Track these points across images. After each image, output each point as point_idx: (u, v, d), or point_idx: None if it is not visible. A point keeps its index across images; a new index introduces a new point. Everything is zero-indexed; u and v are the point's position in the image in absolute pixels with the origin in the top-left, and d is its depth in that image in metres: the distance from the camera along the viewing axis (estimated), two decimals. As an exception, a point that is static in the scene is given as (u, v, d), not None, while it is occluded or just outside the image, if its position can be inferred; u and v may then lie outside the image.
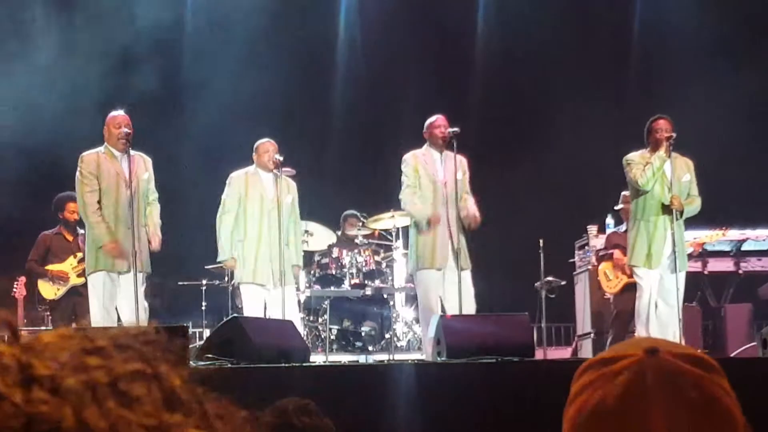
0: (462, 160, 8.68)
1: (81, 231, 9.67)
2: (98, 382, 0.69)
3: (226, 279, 10.20)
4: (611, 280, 9.86)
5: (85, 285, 9.50)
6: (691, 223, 9.01)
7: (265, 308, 8.49)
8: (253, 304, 8.53)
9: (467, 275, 8.43)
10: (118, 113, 8.22)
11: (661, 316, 8.37)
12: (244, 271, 8.57)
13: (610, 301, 9.96)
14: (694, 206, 8.53)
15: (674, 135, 8.34)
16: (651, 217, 8.39)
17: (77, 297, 9.58)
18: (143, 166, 8.28)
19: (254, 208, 8.56)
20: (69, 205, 9.62)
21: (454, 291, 8.23)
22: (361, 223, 10.38)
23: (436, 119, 8.65)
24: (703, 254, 10.26)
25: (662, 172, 8.39)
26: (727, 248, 10.42)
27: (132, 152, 8.23)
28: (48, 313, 9.82)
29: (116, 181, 8.11)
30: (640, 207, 8.47)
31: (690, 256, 9.82)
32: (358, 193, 11.57)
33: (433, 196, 8.51)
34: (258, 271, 8.49)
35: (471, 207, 8.52)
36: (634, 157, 8.47)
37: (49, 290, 9.61)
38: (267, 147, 8.62)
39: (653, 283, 8.36)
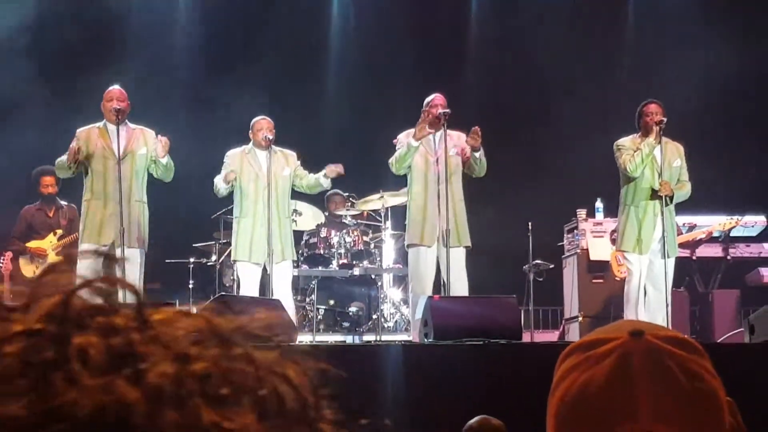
0: (461, 137, 8.63)
1: (63, 203, 9.63)
2: (191, 376, 0.63)
3: (214, 257, 10.18)
4: (622, 265, 9.86)
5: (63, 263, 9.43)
6: (689, 208, 9.03)
7: (270, 283, 8.46)
8: (249, 281, 8.55)
9: (459, 253, 8.42)
10: (113, 88, 8.28)
11: (650, 302, 8.40)
12: (240, 248, 8.59)
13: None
14: (684, 192, 8.54)
15: (665, 119, 8.34)
16: (641, 202, 8.41)
17: None
18: (141, 140, 8.26)
19: (249, 186, 8.58)
20: (43, 179, 9.58)
21: (444, 269, 8.26)
22: (349, 203, 10.37)
23: (434, 98, 8.61)
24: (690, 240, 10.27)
25: (652, 158, 8.39)
26: (715, 234, 10.44)
27: (133, 126, 8.25)
28: None
29: (103, 156, 8.11)
30: (629, 192, 8.48)
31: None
32: (348, 173, 11.54)
33: (424, 174, 8.51)
34: (254, 250, 8.50)
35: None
36: (625, 142, 8.47)
37: (28, 268, 9.56)
38: (261, 125, 8.64)
39: (643, 267, 8.38)
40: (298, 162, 8.82)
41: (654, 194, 8.38)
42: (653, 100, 8.49)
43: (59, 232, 9.51)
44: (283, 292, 8.42)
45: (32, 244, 9.60)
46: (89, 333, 0.63)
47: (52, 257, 9.52)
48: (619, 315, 9.95)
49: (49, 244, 9.55)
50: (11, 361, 0.62)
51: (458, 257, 8.42)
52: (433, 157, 8.51)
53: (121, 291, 0.68)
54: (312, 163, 9.03)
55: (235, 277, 9.11)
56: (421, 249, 8.47)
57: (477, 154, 8.51)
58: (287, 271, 8.66)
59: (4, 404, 0.60)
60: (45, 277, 0.68)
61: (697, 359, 1.20)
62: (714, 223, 10.21)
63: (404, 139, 8.63)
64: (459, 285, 8.33)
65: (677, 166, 8.52)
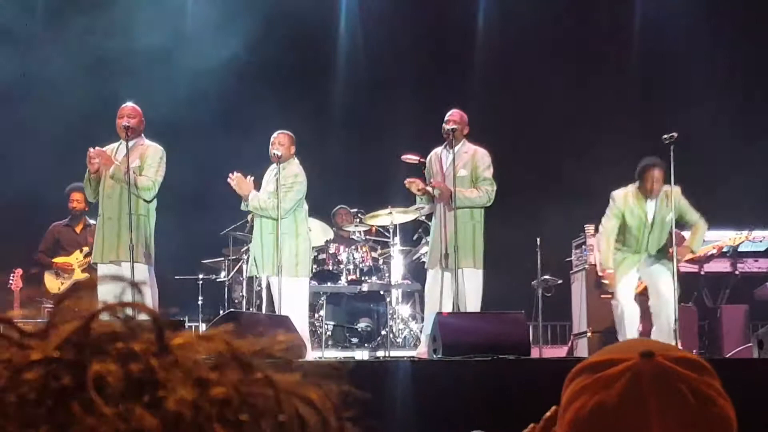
0: (476, 154, 8.52)
1: (92, 221, 9.57)
2: (210, 402, 0.64)
3: (223, 274, 10.19)
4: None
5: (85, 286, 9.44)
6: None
7: (279, 298, 8.38)
8: (264, 294, 8.55)
9: (467, 274, 8.32)
10: (126, 105, 8.22)
11: (656, 311, 8.49)
12: (250, 263, 8.61)
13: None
14: (699, 236, 8.64)
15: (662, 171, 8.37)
16: (626, 251, 8.54)
17: None
18: (137, 155, 8.11)
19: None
20: (73, 195, 9.60)
21: (452, 290, 8.24)
22: (358, 219, 10.38)
23: (449, 114, 8.55)
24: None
25: (643, 212, 8.44)
26: (724, 249, 10.43)
27: (147, 143, 8.19)
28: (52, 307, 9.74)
29: (104, 172, 8.07)
30: (621, 234, 8.60)
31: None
32: (357, 189, 11.56)
33: (434, 196, 8.51)
34: (260, 264, 8.46)
35: (460, 191, 8.33)
36: (617, 197, 8.56)
37: (53, 283, 9.54)
38: (272, 140, 8.54)
39: (621, 291, 8.57)
40: (299, 181, 8.52)
41: (638, 246, 8.48)
42: (657, 164, 8.40)
43: (86, 249, 9.47)
44: (290, 308, 8.29)
45: (59, 259, 9.60)
46: (108, 360, 0.63)
47: (78, 274, 9.50)
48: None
49: (75, 260, 9.54)
50: (30, 389, 0.62)
51: (461, 277, 8.33)
52: (441, 178, 8.48)
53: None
54: (321, 177, 9.02)
55: (244, 293, 9.09)
56: (430, 271, 8.51)
57: (455, 203, 8.28)
58: (293, 287, 8.44)
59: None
60: (65, 301, 0.68)
61: (708, 380, 1.21)
62: (722, 238, 10.20)
63: (427, 160, 8.64)
64: (463, 305, 8.29)
65: (669, 220, 8.50)
